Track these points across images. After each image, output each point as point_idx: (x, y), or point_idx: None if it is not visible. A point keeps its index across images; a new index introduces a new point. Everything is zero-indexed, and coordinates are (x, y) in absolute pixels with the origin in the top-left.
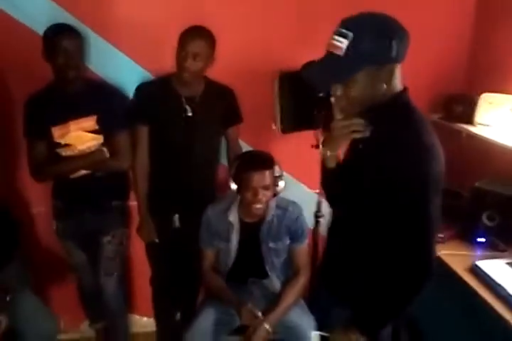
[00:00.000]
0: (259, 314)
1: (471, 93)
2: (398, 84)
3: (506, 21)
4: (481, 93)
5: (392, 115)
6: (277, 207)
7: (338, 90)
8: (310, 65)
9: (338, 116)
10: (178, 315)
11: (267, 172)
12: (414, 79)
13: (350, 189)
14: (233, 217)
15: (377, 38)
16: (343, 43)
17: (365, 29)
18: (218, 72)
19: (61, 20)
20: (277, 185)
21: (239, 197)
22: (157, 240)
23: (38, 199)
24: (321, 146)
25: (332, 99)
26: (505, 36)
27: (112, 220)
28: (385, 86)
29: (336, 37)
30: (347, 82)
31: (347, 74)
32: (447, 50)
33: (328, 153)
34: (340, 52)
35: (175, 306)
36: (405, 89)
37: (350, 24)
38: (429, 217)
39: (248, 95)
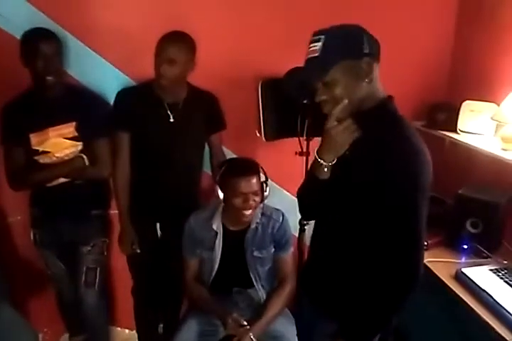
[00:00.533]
0: (245, 323)
1: (454, 101)
2: (380, 88)
3: (485, 31)
4: (463, 101)
5: (379, 121)
6: (262, 214)
7: (322, 94)
8: (291, 72)
9: (332, 123)
10: (161, 327)
11: (255, 178)
12: (397, 87)
13: (338, 198)
14: (217, 224)
15: (347, 35)
16: (317, 46)
17: (336, 30)
18: (202, 78)
19: (40, 25)
20: (265, 191)
21: (222, 204)
22: (139, 251)
23: (14, 207)
24: (316, 156)
25: (324, 109)
26: (485, 46)
27: (91, 229)
28: (365, 83)
29: (311, 44)
30: (326, 80)
31: (324, 69)
32: (429, 60)
33: (325, 164)
34: (316, 53)
35: (157, 318)
36: (390, 97)
37: (321, 31)
38: (417, 222)
39: (232, 102)
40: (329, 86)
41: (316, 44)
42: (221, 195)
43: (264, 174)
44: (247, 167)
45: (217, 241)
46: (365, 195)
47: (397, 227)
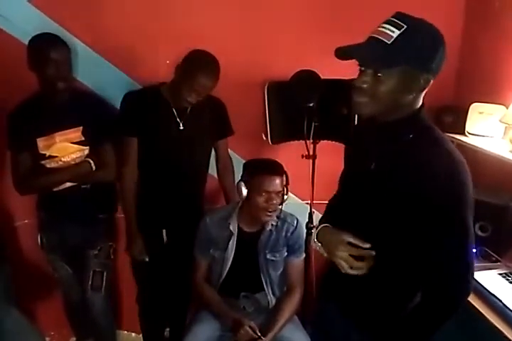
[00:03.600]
0: (258, 334)
1: (462, 103)
2: (421, 99)
3: (493, 33)
4: (471, 103)
5: (412, 133)
6: (277, 217)
7: (364, 83)
8: (348, 46)
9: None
10: (168, 331)
11: (280, 179)
12: None
13: (370, 211)
14: (233, 225)
15: (427, 41)
16: (394, 32)
17: (420, 28)
18: None
19: (46, 29)
20: (285, 194)
21: (240, 205)
22: (147, 259)
23: (21, 211)
24: (315, 241)
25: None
26: (493, 47)
27: (98, 233)
28: (412, 97)
29: (387, 25)
30: (380, 73)
31: (388, 62)
32: None
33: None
34: (388, 40)
35: (164, 323)
36: (423, 105)
37: (406, 18)
38: (467, 236)
39: (239, 105)
40: (377, 80)
41: (393, 29)
42: (245, 191)
43: (287, 177)
44: (275, 167)
45: (231, 242)
46: (403, 208)
47: (446, 243)
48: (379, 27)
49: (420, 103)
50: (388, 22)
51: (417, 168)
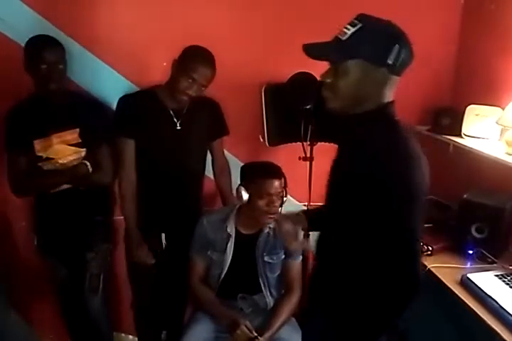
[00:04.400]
0: (254, 334)
1: (458, 105)
2: (389, 94)
3: (490, 35)
4: (468, 105)
5: (373, 125)
6: (275, 220)
7: (328, 77)
8: (311, 43)
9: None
10: (165, 334)
11: (280, 181)
12: (402, 92)
13: (339, 206)
14: (231, 227)
15: (380, 37)
16: (349, 30)
17: (375, 26)
18: None
19: (45, 32)
20: (285, 196)
21: (237, 207)
22: (154, 261)
23: (18, 213)
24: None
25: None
26: (490, 50)
27: (95, 236)
28: (372, 91)
29: (347, 25)
30: (339, 67)
31: (339, 56)
32: (434, 64)
33: None
34: (343, 37)
35: (160, 325)
36: (392, 101)
37: (363, 17)
38: (409, 230)
39: (236, 107)
40: (338, 73)
41: (350, 28)
42: (245, 196)
43: (285, 179)
44: (274, 169)
45: (229, 244)
46: (358, 200)
47: (391, 235)
48: (343, 26)
49: (387, 99)
50: (349, 22)
51: (365, 159)
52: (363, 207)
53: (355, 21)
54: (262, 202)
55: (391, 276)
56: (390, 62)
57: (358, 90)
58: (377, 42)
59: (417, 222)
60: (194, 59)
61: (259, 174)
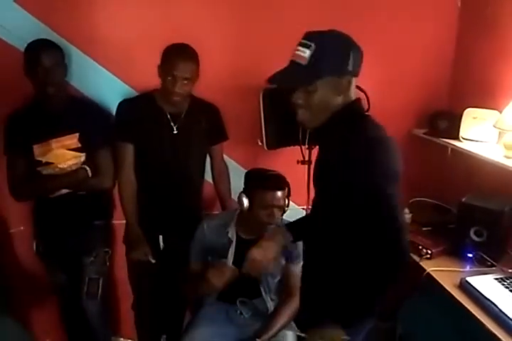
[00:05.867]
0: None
1: (456, 109)
2: (352, 95)
3: (487, 39)
4: (465, 108)
5: (341, 121)
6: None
7: (298, 99)
8: (277, 72)
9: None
10: (164, 338)
11: (283, 193)
12: (400, 95)
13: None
14: (232, 232)
15: (337, 51)
16: (306, 53)
17: (326, 42)
18: (204, 88)
19: (42, 36)
20: (287, 206)
21: (237, 212)
22: (154, 261)
23: (17, 217)
24: None
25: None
26: (487, 53)
27: (94, 240)
28: (340, 97)
29: (300, 47)
30: (308, 89)
31: (308, 81)
32: (431, 68)
33: None
34: (304, 62)
35: (160, 329)
36: (358, 99)
37: (313, 36)
38: (388, 207)
39: (234, 111)
40: (308, 93)
41: (305, 50)
42: (246, 203)
43: (289, 189)
44: (278, 181)
45: (230, 250)
46: (334, 192)
47: (372, 216)
48: (295, 50)
49: (351, 98)
50: (300, 44)
51: (336, 153)
52: (341, 195)
53: (307, 42)
54: (262, 213)
55: (379, 255)
56: (350, 68)
57: (329, 102)
58: (335, 56)
59: (392, 200)
60: (170, 57)
61: (262, 185)
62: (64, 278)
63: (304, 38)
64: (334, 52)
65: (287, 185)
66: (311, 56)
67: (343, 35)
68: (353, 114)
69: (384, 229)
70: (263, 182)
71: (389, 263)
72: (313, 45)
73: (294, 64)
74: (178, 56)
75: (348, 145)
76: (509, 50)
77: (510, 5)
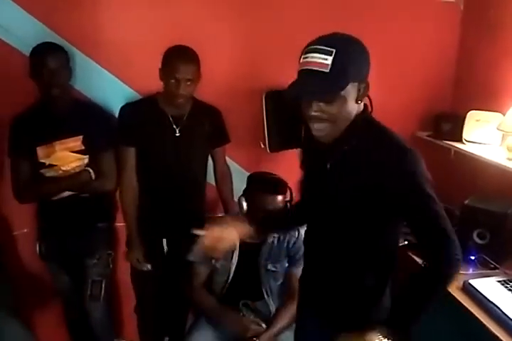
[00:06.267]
0: (262, 324)
1: (459, 111)
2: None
3: (489, 42)
4: (468, 111)
5: (361, 130)
6: None
7: (321, 111)
8: (293, 85)
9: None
10: (167, 340)
11: (282, 197)
12: (403, 98)
13: (331, 209)
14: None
15: (361, 55)
16: (327, 60)
17: (348, 46)
18: (206, 90)
19: (45, 39)
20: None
21: (240, 215)
22: (150, 267)
23: (20, 220)
24: None
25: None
26: (490, 56)
27: (97, 242)
28: (359, 104)
29: (316, 54)
30: (334, 99)
31: (336, 90)
32: (434, 70)
33: None
34: (326, 69)
35: (163, 332)
36: (365, 104)
37: (329, 41)
38: (436, 208)
39: (237, 114)
40: (331, 103)
41: (325, 57)
42: (245, 205)
43: (291, 193)
44: (279, 185)
45: (234, 253)
46: (364, 199)
47: (422, 220)
48: (307, 58)
49: (362, 105)
50: (315, 50)
51: (369, 162)
52: (372, 204)
53: (326, 48)
54: (260, 216)
55: (436, 260)
56: (367, 73)
57: (352, 111)
58: (359, 60)
59: (438, 202)
60: (171, 59)
61: (262, 188)
62: (67, 280)
63: (318, 44)
64: (358, 56)
65: (288, 189)
66: (335, 62)
67: (357, 39)
68: (370, 121)
69: (437, 231)
70: (263, 186)
71: (448, 269)
72: (334, 50)
73: (312, 73)
74: (179, 58)
75: (380, 152)
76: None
77: None
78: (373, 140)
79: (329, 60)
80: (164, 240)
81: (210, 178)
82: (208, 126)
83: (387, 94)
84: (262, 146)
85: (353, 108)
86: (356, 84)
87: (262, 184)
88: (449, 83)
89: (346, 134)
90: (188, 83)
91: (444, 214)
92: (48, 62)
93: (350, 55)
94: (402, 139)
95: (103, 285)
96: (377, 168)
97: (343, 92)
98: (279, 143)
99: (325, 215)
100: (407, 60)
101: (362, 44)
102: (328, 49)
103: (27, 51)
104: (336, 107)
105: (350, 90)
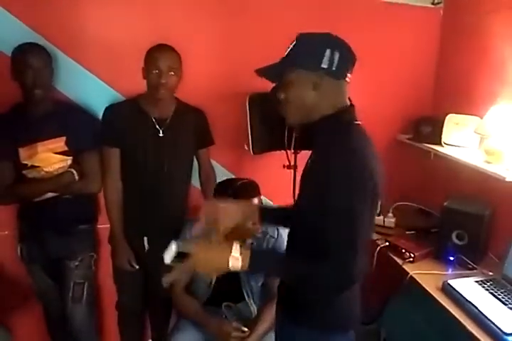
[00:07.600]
0: (245, 329)
1: (438, 115)
2: (341, 101)
3: (468, 47)
4: (447, 114)
5: (329, 130)
6: None
7: (280, 93)
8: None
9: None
10: None
11: (255, 200)
12: (385, 102)
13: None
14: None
15: (312, 46)
16: (289, 48)
17: (308, 38)
18: (190, 93)
19: (27, 39)
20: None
21: None
22: (137, 267)
23: (1, 221)
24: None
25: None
26: (467, 63)
27: (79, 244)
28: (315, 94)
29: (290, 45)
30: (283, 81)
31: (278, 72)
32: (415, 76)
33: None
34: (284, 54)
35: (145, 333)
36: (351, 106)
37: (301, 35)
38: (353, 225)
39: (221, 116)
40: (285, 86)
41: (290, 46)
42: None
43: (260, 194)
44: (249, 190)
45: None
46: (317, 199)
47: (334, 227)
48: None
49: (342, 104)
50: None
51: (323, 163)
52: (320, 203)
53: (294, 41)
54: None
55: (330, 268)
56: (324, 66)
57: (306, 98)
58: (310, 50)
59: (359, 218)
60: (152, 53)
61: (235, 195)
62: (49, 282)
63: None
64: (309, 46)
65: (258, 192)
66: (290, 50)
67: (331, 36)
68: (340, 121)
69: (338, 245)
70: (236, 193)
71: (333, 283)
72: (295, 41)
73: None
74: (159, 49)
75: (329, 153)
76: (489, 59)
77: (490, 15)
78: (332, 138)
79: (289, 47)
80: (145, 238)
81: (195, 180)
82: (193, 127)
83: (369, 98)
84: (246, 148)
85: (307, 95)
86: (308, 71)
87: (234, 190)
88: (429, 88)
89: (318, 131)
90: (171, 73)
91: (356, 233)
92: (31, 61)
93: (303, 46)
94: (359, 142)
95: (85, 288)
96: (325, 166)
97: (289, 77)
98: (263, 145)
99: (294, 213)
100: (387, 65)
101: (327, 39)
102: (295, 40)
103: (8, 51)
104: (289, 90)
105: (300, 77)
